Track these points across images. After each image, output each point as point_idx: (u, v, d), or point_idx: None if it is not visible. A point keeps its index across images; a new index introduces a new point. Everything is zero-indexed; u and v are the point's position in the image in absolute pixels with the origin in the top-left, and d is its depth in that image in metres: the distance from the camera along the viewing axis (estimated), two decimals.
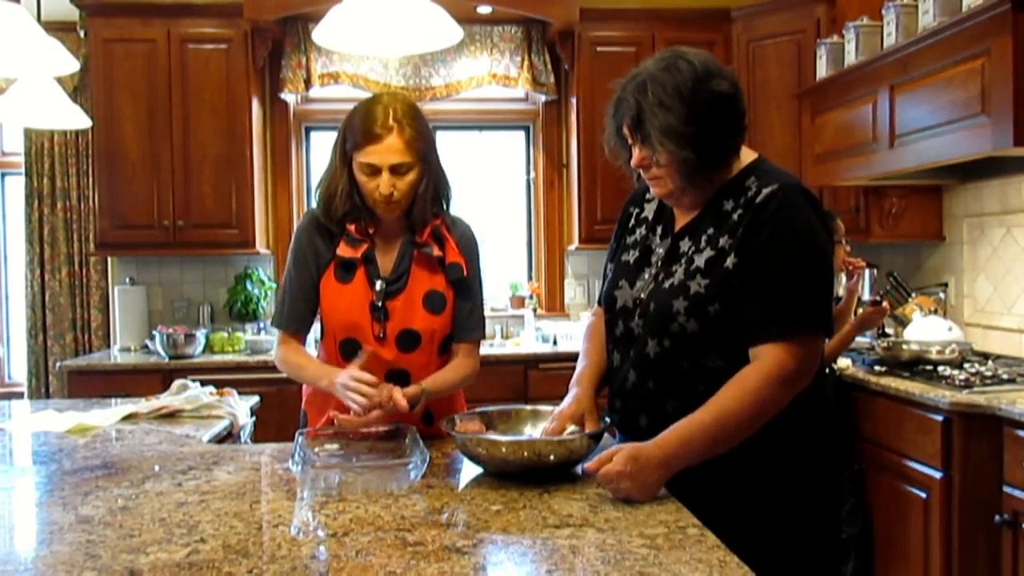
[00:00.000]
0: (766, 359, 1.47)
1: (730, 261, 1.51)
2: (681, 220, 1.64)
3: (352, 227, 1.92)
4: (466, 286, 2.01)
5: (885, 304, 3.22)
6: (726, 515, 1.42)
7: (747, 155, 1.61)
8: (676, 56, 1.53)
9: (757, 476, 1.52)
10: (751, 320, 1.49)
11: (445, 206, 2.01)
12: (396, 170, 1.83)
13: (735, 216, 1.53)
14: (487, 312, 4.71)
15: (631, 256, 1.71)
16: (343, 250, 1.93)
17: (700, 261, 1.55)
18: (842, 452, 1.70)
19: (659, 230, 1.68)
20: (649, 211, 1.73)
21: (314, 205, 1.98)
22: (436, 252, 1.96)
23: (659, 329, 1.57)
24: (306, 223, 1.98)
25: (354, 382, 1.76)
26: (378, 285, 1.93)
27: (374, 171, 1.84)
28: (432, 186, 1.92)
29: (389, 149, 1.82)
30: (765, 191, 1.51)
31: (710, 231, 1.56)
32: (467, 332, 2.04)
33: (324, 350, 2.01)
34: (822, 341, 1.55)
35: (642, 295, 1.63)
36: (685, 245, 1.60)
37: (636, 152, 1.58)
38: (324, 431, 1.84)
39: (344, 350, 1.94)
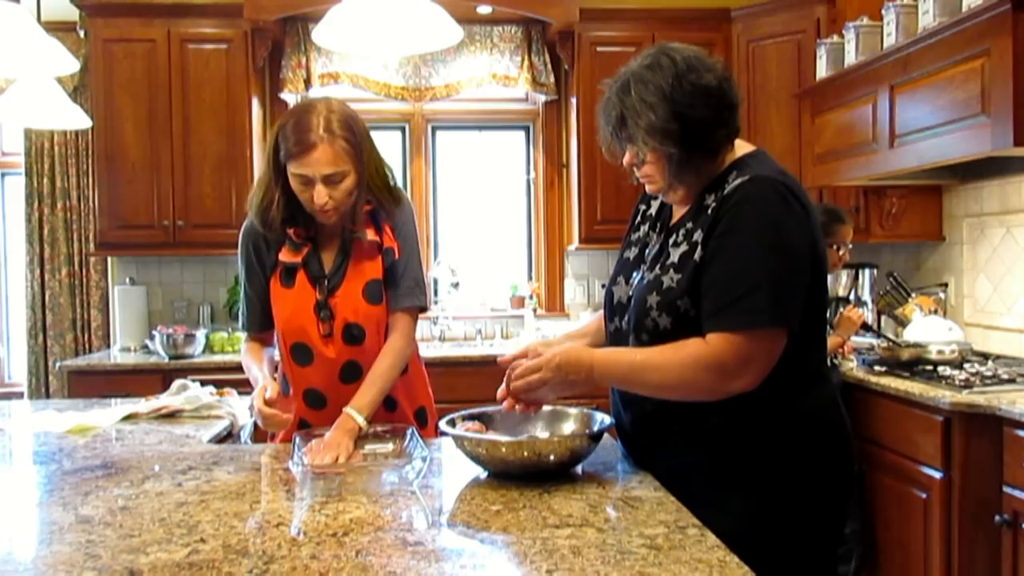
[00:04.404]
0: (709, 343, 1.46)
1: (697, 255, 1.50)
2: (676, 216, 1.65)
3: (292, 232, 1.93)
4: (399, 265, 1.98)
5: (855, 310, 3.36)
6: (727, 515, 1.42)
7: (742, 148, 1.60)
8: (661, 52, 1.53)
9: (760, 476, 1.51)
10: (704, 311, 1.48)
11: (389, 191, 1.98)
12: (329, 180, 1.81)
13: (710, 210, 1.52)
14: (487, 312, 4.75)
15: (631, 253, 1.72)
16: (285, 255, 1.94)
17: (675, 256, 1.55)
18: (851, 455, 1.64)
19: (658, 226, 1.69)
20: (653, 208, 1.74)
21: (250, 213, 1.97)
22: (372, 236, 1.95)
23: (637, 325, 1.58)
24: (250, 229, 1.99)
25: (262, 417, 1.75)
26: (319, 285, 1.94)
27: (307, 181, 1.82)
28: (366, 191, 1.90)
29: (320, 160, 1.79)
30: (734, 183, 1.49)
31: (689, 226, 1.56)
32: (396, 300, 1.98)
33: (279, 353, 2.03)
34: (778, 336, 1.45)
35: (631, 292, 1.64)
36: (671, 241, 1.60)
37: (626, 152, 1.58)
38: (321, 432, 1.84)
39: (295, 354, 1.97)
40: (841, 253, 3.30)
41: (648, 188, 1.64)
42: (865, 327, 3.39)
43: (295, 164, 1.81)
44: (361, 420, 1.80)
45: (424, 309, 2.04)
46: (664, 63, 1.50)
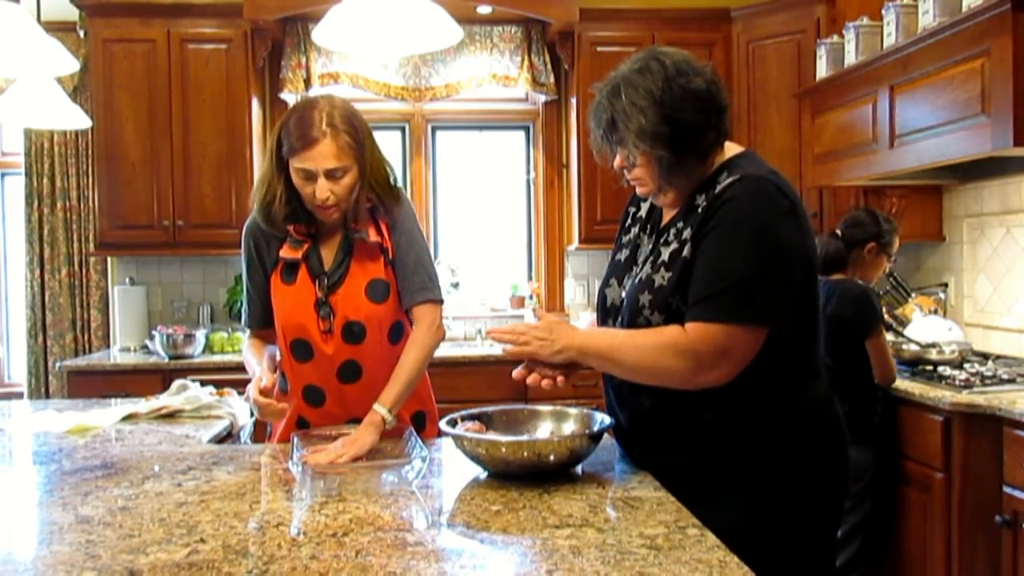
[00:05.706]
0: (687, 332, 1.47)
1: (687, 252, 1.52)
2: (666, 217, 1.66)
3: (292, 228, 1.94)
4: (400, 262, 1.98)
5: None
6: (724, 513, 1.42)
7: (731, 150, 1.61)
8: (650, 56, 1.55)
9: (757, 474, 1.52)
10: (688, 302, 1.50)
11: (391, 188, 1.99)
12: (332, 175, 1.83)
13: (700, 209, 1.53)
14: (488, 312, 4.75)
15: (622, 255, 1.74)
16: (286, 252, 1.95)
17: (666, 255, 1.57)
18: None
19: (648, 228, 1.70)
20: (643, 210, 1.75)
21: (253, 210, 1.98)
22: (373, 237, 1.96)
23: (630, 325, 1.59)
24: (252, 226, 2.00)
25: (258, 407, 1.76)
26: (319, 282, 1.94)
27: (309, 176, 1.83)
28: (367, 187, 1.90)
29: (323, 154, 1.80)
30: (724, 182, 1.51)
31: (680, 225, 1.58)
32: (412, 295, 1.98)
33: (279, 350, 2.04)
34: (756, 333, 1.46)
35: (623, 293, 1.65)
36: (662, 241, 1.61)
37: (617, 155, 1.60)
38: (321, 433, 1.84)
39: (295, 350, 1.98)
40: (893, 261, 3.28)
41: (639, 190, 1.66)
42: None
43: (298, 159, 1.82)
44: (385, 412, 1.80)
45: (441, 302, 2.04)
46: (654, 67, 1.52)
